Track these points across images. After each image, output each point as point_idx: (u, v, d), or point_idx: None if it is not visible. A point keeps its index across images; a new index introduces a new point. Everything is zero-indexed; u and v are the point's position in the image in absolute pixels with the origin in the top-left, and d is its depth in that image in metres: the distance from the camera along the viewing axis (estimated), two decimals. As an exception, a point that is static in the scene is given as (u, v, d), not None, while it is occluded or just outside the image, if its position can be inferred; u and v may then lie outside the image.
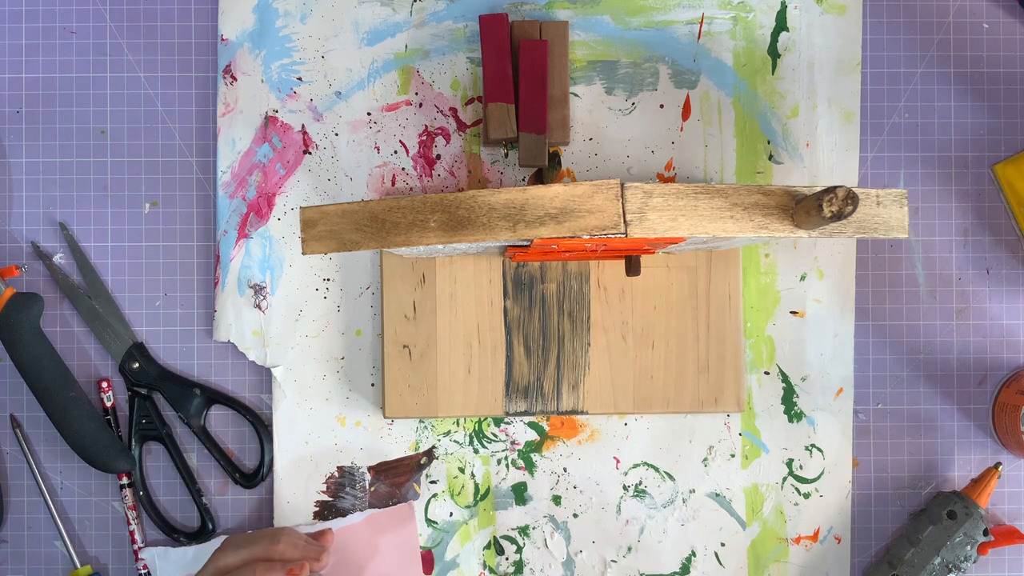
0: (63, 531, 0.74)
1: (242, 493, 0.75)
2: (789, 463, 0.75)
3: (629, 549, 0.75)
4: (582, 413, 0.73)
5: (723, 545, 0.75)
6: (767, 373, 0.75)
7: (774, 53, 0.75)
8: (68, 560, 0.74)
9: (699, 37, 0.75)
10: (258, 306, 0.74)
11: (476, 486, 0.75)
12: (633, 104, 0.75)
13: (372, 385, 0.74)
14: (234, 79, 0.74)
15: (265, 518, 0.75)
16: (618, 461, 0.75)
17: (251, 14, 0.74)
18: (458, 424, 0.75)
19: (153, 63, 0.75)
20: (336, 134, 0.74)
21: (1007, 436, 0.73)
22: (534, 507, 0.75)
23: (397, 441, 0.74)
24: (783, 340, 0.75)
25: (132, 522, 0.74)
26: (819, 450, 0.75)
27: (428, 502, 0.75)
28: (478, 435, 0.75)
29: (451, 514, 0.75)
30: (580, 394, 0.73)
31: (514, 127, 0.71)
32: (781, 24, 0.75)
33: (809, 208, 0.55)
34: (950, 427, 0.76)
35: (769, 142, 0.75)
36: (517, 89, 0.72)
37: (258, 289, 0.74)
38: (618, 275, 0.73)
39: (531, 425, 0.75)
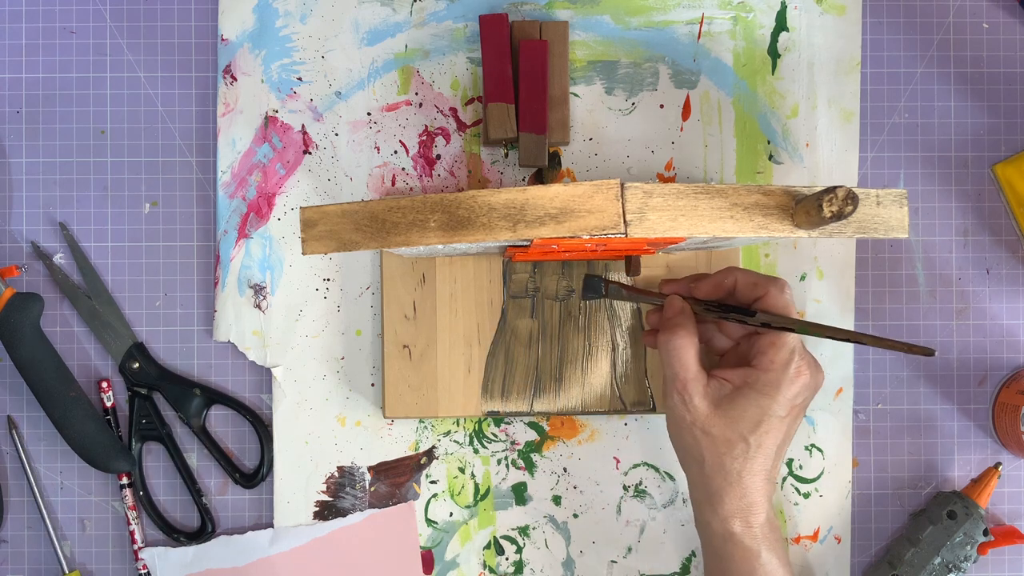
0: (54, 537, 0.74)
1: (242, 493, 0.75)
2: (789, 463, 0.75)
3: (629, 549, 0.75)
4: (582, 413, 0.73)
5: (723, 545, 0.75)
6: (767, 373, 0.75)
7: (774, 53, 0.75)
8: (67, 561, 0.74)
9: (699, 37, 0.75)
10: (258, 306, 0.74)
11: (476, 486, 0.75)
12: (633, 104, 0.75)
13: (372, 385, 0.74)
14: (234, 79, 0.74)
15: (265, 518, 0.75)
16: (618, 461, 0.75)
17: (251, 14, 0.74)
18: (458, 424, 0.75)
19: (153, 63, 0.75)
20: (336, 134, 0.74)
21: (1007, 436, 0.73)
22: (534, 507, 0.75)
23: (397, 441, 0.74)
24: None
25: (132, 522, 0.74)
26: (819, 450, 0.75)
27: (428, 502, 0.75)
28: (478, 435, 0.75)
29: (451, 514, 0.75)
30: (580, 394, 0.73)
31: (514, 127, 0.71)
32: (781, 24, 0.75)
33: (809, 208, 0.55)
34: (950, 427, 0.76)
35: (769, 142, 0.75)
36: (517, 89, 0.72)
37: (258, 289, 0.74)
38: (618, 275, 0.73)
39: (531, 425, 0.75)
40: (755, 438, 0.63)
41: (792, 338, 0.63)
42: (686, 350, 0.64)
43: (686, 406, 0.64)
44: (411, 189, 0.75)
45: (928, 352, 0.59)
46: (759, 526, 0.63)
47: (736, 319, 0.64)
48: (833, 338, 0.63)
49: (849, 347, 0.75)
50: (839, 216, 0.54)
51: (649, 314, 0.70)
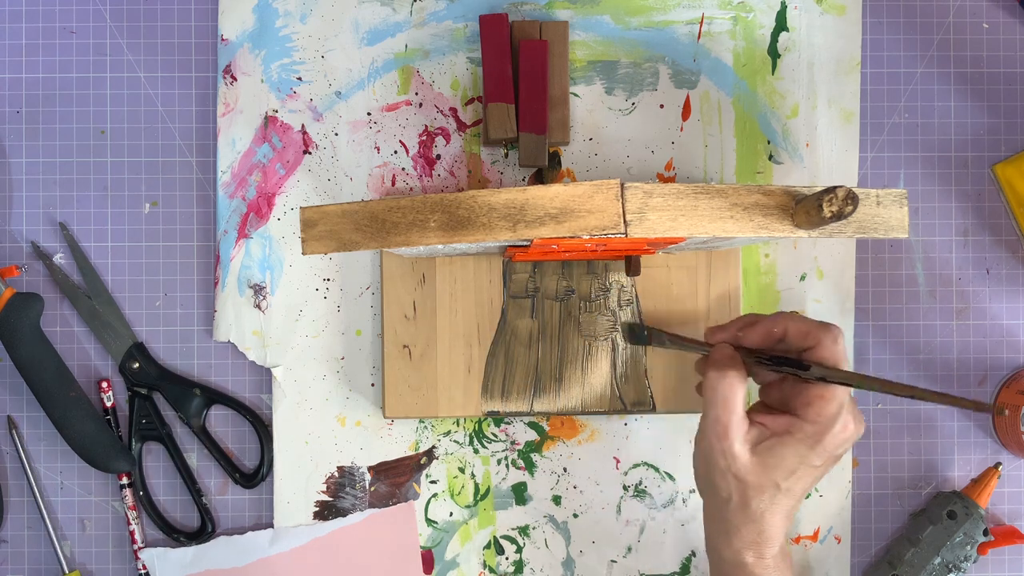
0: (54, 537, 0.74)
1: (242, 493, 0.75)
2: (789, 463, 0.75)
3: (629, 549, 0.75)
4: (582, 413, 0.73)
5: (723, 545, 0.75)
6: (767, 373, 0.75)
7: (774, 53, 0.75)
8: (67, 561, 0.74)
9: (699, 37, 0.75)
10: (258, 306, 0.74)
11: (476, 486, 0.75)
12: (633, 104, 0.75)
13: (372, 385, 0.74)
14: (234, 79, 0.74)
15: (265, 518, 0.75)
16: (618, 461, 0.75)
17: (251, 14, 0.74)
18: (458, 424, 0.75)
19: (153, 63, 0.75)
20: (336, 134, 0.74)
21: (1007, 436, 0.73)
22: (534, 507, 0.75)
23: (397, 441, 0.74)
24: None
25: (132, 522, 0.74)
26: (819, 450, 0.75)
27: (428, 502, 0.75)
28: (478, 435, 0.75)
29: (451, 514, 0.75)
30: (580, 394, 0.73)
31: (514, 127, 0.71)
32: (781, 24, 0.75)
33: (809, 208, 0.54)
34: (950, 427, 0.76)
35: (769, 142, 0.75)
36: (517, 89, 0.72)
37: (258, 289, 0.74)
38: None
39: (531, 425, 0.75)
40: (787, 483, 0.61)
41: (842, 392, 0.61)
42: (734, 392, 0.61)
43: (724, 453, 0.61)
44: (411, 189, 0.75)
45: (988, 408, 0.56)
46: (772, 557, 0.62)
47: (790, 372, 0.61)
48: (892, 393, 0.60)
49: (850, 346, 0.75)
50: (839, 216, 0.54)
51: (698, 363, 0.67)
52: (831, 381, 0.60)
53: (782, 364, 0.62)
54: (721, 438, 0.62)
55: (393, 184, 0.75)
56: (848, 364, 0.61)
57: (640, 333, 0.70)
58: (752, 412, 0.63)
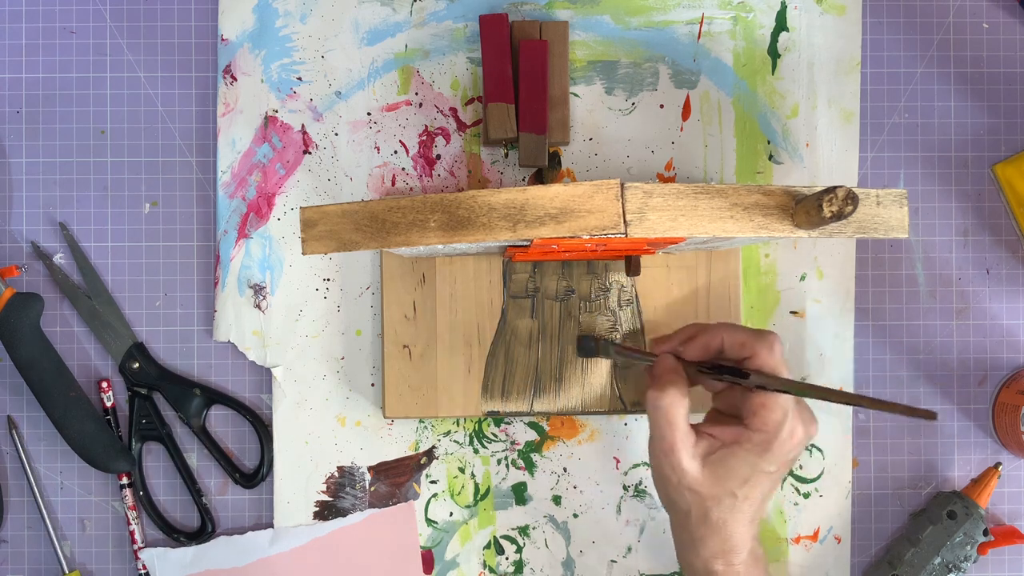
0: (54, 537, 0.74)
1: (242, 493, 0.75)
2: (789, 463, 0.75)
3: (629, 549, 0.75)
4: (582, 413, 0.73)
5: (723, 545, 0.74)
6: (767, 373, 0.75)
7: (774, 53, 0.75)
8: (67, 561, 0.74)
9: (699, 37, 0.75)
10: (258, 306, 0.74)
11: (476, 486, 0.75)
12: (633, 104, 0.75)
13: (372, 385, 0.74)
14: (234, 79, 0.74)
15: (265, 518, 0.75)
16: (618, 461, 0.75)
17: (251, 14, 0.74)
18: (458, 424, 0.75)
19: (153, 63, 0.75)
20: (336, 134, 0.74)
21: (1007, 436, 0.73)
22: (534, 507, 0.75)
23: (397, 441, 0.74)
24: (783, 340, 0.74)
25: (132, 522, 0.74)
26: (819, 450, 0.75)
27: (428, 502, 0.75)
28: (478, 435, 0.75)
29: (451, 514, 0.75)
30: (580, 394, 0.73)
31: (514, 127, 0.71)
32: (781, 24, 0.75)
33: (809, 208, 0.54)
34: (950, 427, 0.76)
35: (769, 142, 0.75)
36: (517, 89, 0.72)
37: (258, 289, 0.74)
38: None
39: (531, 425, 0.75)
40: (743, 491, 0.61)
41: (785, 399, 0.60)
42: (675, 409, 0.61)
43: (674, 468, 0.62)
44: (411, 189, 0.75)
45: (930, 416, 0.55)
46: (741, 563, 0.62)
47: (730, 381, 0.61)
48: (828, 400, 0.59)
49: (849, 346, 0.75)
50: (839, 216, 0.54)
51: (646, 373, 0.67)
52: (770, 389, 0.60)
53: (723, 373, 0.62)
54: (668, 454, 0.62)
55: (393, 184, 0.75)
56: (787, 371, 0.61)
57: (589, 345, 0.70)
58: (702, 424, 0.63)
